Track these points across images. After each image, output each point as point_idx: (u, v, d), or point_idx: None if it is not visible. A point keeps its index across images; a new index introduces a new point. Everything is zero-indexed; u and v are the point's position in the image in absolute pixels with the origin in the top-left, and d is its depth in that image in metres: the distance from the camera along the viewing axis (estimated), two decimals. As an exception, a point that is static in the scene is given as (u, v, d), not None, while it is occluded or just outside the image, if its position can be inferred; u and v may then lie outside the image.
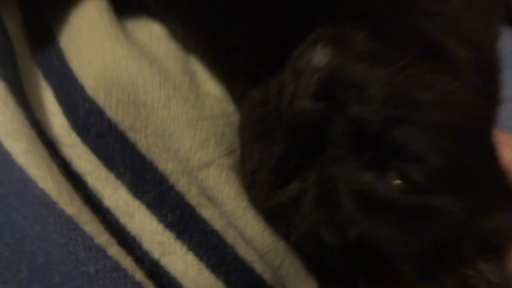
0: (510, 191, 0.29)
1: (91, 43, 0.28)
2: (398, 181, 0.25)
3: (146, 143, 0.28)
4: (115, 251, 0.24)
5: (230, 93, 0.32)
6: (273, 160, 0.26)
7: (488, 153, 0.29)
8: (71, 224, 0.24)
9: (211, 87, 0.33)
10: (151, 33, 0.33)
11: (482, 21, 0.33)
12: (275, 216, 0.28)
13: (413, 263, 0.26)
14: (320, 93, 0.25)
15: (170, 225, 0.27)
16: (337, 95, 0.25)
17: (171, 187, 0.29)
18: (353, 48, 0.26)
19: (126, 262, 0.25)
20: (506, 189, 0.29)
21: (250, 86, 0.29)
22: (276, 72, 0.27)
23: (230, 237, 0.28)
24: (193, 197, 0.29)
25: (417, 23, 0.30)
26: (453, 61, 0.29)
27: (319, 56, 0.25)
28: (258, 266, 0.29)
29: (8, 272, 0.25)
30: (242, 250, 0.28)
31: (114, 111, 0.27)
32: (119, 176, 0.27)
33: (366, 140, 0.25)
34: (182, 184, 0.29)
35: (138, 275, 0.25)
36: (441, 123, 0.26)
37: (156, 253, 0.27)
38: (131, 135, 0.28)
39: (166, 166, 0.29)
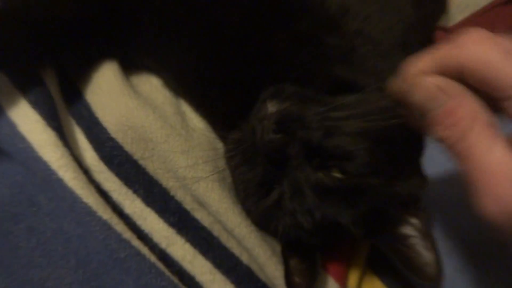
0: (416, 163, 0.40)
1: (110, 98, 0.39)
2: (339, 174, 0.35)
3: (153, 167, 0.39)
4: (136, 242, 0.35)
5: (212, 128, 0.44)
6: (258, 177, 0.37)
7: (399, 139, 0.37)
8: (106, 226, 0.34)
9: (197, 122, 0.45)
10: (151, 84, 0.44)
11: (387, 61, 0.43)
12: (265, 217, 0.39)
13: (360, 227, 0.36)
14: (277, 129, 0.35)
15: (172, 224, 0.38)
16: (287, 127, 0.36)
17: (172, 197, 0.39)
18: (289, 96, 0.37)
19: (144, 250, 0.35)
20: (413, 162, 0.40)
21: (227, 128, 0.40)
22: (243, 118, 0.38)
23: (216, 230, 0.39)
24: (188, 204, 0.40)
25: (334, 69, 0.41)
26: (362, 87, 0.39)
27: (270, 107, 0.36)
28: (237, 251, 0.39)
29: (62, 261, 0.35)
30: (224, 239, 0.39)
31: (129, 146, 0.38)
32: (135, 191, 0.38)
33: (314, 151, 0.35)
34: (179, 194, 0.40)
35: (153, 258, 0.35)
36: (360, 130, 0.35)
37: (163, 244, 0.37)
38: (142, 162, 0.39)
39: (168, 182, 0.39)
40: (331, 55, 0.40)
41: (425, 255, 0.37)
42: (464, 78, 0.28)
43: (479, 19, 0.75)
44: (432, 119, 0.29)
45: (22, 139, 0.35)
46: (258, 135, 0.36)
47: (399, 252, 0.38)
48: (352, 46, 0.41)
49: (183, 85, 0.43)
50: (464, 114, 0.27)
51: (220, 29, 0.39)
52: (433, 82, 0.29)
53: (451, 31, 0.70)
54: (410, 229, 0.38)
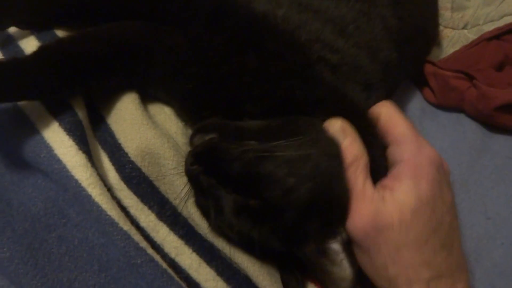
0: None
1: (132, 127, 0.45)
2: (253, 200, 0.39)
3: (164, 188, 0.45)
4: (150, 250, 0.40)
5: None
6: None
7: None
8: (126, 235, 0.40)
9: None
10: (165, 114, 0.51)
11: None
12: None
13: (279, 242, 0.40)
14: (193, 161, 0.41)
15: (181, 236, 0.43)
16: (201, 160, 0.41)
17: (180, 214, 0.45)
18: (212, 130, 0.42)
19: (158, 257, 0.40)
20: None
21: None
22: None
23: (216, 244, 0.45)
24: (192, 220, 0.45)
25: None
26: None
27: (195, 141, 0.42)
28: (233, 262, 0.45)
29: (87, 266, 0.41)
30: (223, 253, 0.45)
31: (146, 169, 0.44)
32: (149, 207, 0.43)
33: (228, 179, 0.39)
34: (185, 212, 0.45)
35: (165, 265, 0.40)
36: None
37: (173, 254, 0.42)
38: (156, 183, 0.45)
39: (176, 201, 0.45)
40: (292, 77, 0.45)
41: (347, 270, 0.40)
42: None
43: (468, 53, 0.80)
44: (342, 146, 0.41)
45: (57, 161, 0.41)
46: (185, 166, 0.42)
47: (321, 264, 0.41)
48: (315, 73, 0.45)
49: (188, 114, 0.49)
50: (356, 148, 0.40)
51: (210, 60, 0.45)
52: (341, 122, 0.42)
53: (439, 65, 0.76)
54: (335, 244, 0.40)
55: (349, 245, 0.41)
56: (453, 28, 0.87)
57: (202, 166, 0.40)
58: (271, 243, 0.41)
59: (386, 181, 0.40)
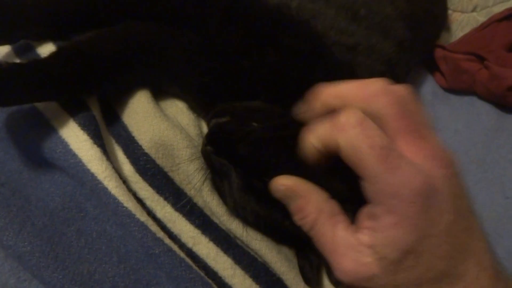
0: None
1: (145, 120, 0.46)
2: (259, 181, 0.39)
3: (179, 179, 0.45)
4: (167, 240, 0.41)
5: None
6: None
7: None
8: (143, 226, 0.40)
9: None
10: (177, 107, 0.51)
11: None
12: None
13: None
14: (207, 142, 0.41)
15: (197, 226, 0.44)
16: (214, 141, 0.41)
17: (195, 204, 0.45)
18: (227, 113, 0.42)
19: (175, 247, 0.41)
20: None
21: None
22: None
23: (232, 233, 0.45)
24: (207, 210, 0.46)
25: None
26: None
27: (212, 123, 0.43)
28: (251, 250, 0.45)
29: (106, 258, 0.41)
30: (239, 241, 0.45)
31: (161, 161, 0.45)
32: (165, 198, 0.44)
33: (239, 161, 0.39)
34: (200, 202, 0.46)
35: (182, 255, 0.41)
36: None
37: (190, 244, 0.43)
38: (171, 174, 0.45)
39: (191, 192, 0.45)
40: (307, 63, 0.46)
41: None
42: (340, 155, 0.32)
43: (478, 35, 0.80)
44: (291, 210, 0.35)
45: (73, 155, 0.41)
46: (202, 144, 0.43)
47: None
48: (336, 61, 0.47)
49: (202, 106, 0.50)
50: (311, 210, 0.34)
51: (227, 55, 0.46)
52: (285, 183, 0.35)
53: (449, 49, 0.75)
54: None
55: None
56: (462, 12, 0.86)
57: (213, 147, 0.41)
58: (285, 225, 0.41)
59: (363, 220, 0.33)
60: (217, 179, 0.44)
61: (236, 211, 0.44)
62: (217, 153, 0.41)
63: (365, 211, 0.32)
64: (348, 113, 0.31)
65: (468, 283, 0.31)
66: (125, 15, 0.47)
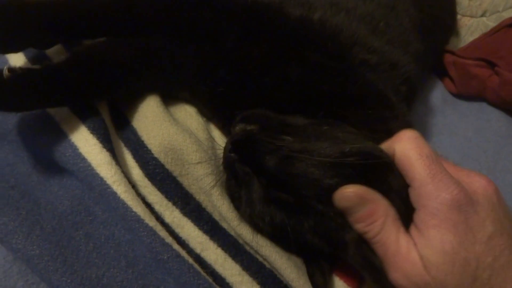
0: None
1: (154, 124, 0.46)
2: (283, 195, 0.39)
3: (188, 183, 0.45)
4: (176, 246, 0.41)
5: None
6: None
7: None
8: (152, 231, 0.40)
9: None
10: (186, 112, 0.51)
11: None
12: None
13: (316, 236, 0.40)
14: (231, 149, 0.41)
15: (206, 232, 0.43)
16: (240, 149, 0.41)
17: (204, 209, 0.45)
18: (255, 120, 0.42)
19: (183, 253, 0.40)
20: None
21: None
22: None
23: (240, 239, 0.45)
24: (215, 215, 0.45)
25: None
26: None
27: (237, 129, 0.42)
28: (259, 257, 0.45)
29: (114, 262, 0.41)
30: (247, 247, 0.45)
31: (170, 165, 0.45)
32: (174, 203, 0.43)
33: (263, 172, 0.39)
34: (209, 207, 0.45)
35: (191, 260, 0.41)
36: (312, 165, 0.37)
37: (198, 249, 0.43)
38: (180, 179, 0.45)
39: (200, 197, 0.45)
40: (336, 81, 0.46)
41: None
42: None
43: (488, 40, 0.79)
44: (356, 218, 0.37)
45: (83, 159, 0.41)
46: (224, 153, 0.43)
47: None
48: (356, 75, 0.46)
49: (213, 112, 0.49)
50: (381, 214, 0.36)
51: (246, 66, 0.46)
52: (355, 190, 0.36)
53: (458, 54, 0.74)
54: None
55: None
56: (471, 16, 0.86)
57: (238, 155, 0.41)
58: (309, 238, 0.40)
59: (412, 231, 0.37)
60: (234, 185, 0.43)
61: (251, 219, 0.43)
62: (241, 161, 0.40)
63: (412, 225, 0.36)
64: (406, 130, 0.38)
65: None
66: (142, 28, 0.46)
